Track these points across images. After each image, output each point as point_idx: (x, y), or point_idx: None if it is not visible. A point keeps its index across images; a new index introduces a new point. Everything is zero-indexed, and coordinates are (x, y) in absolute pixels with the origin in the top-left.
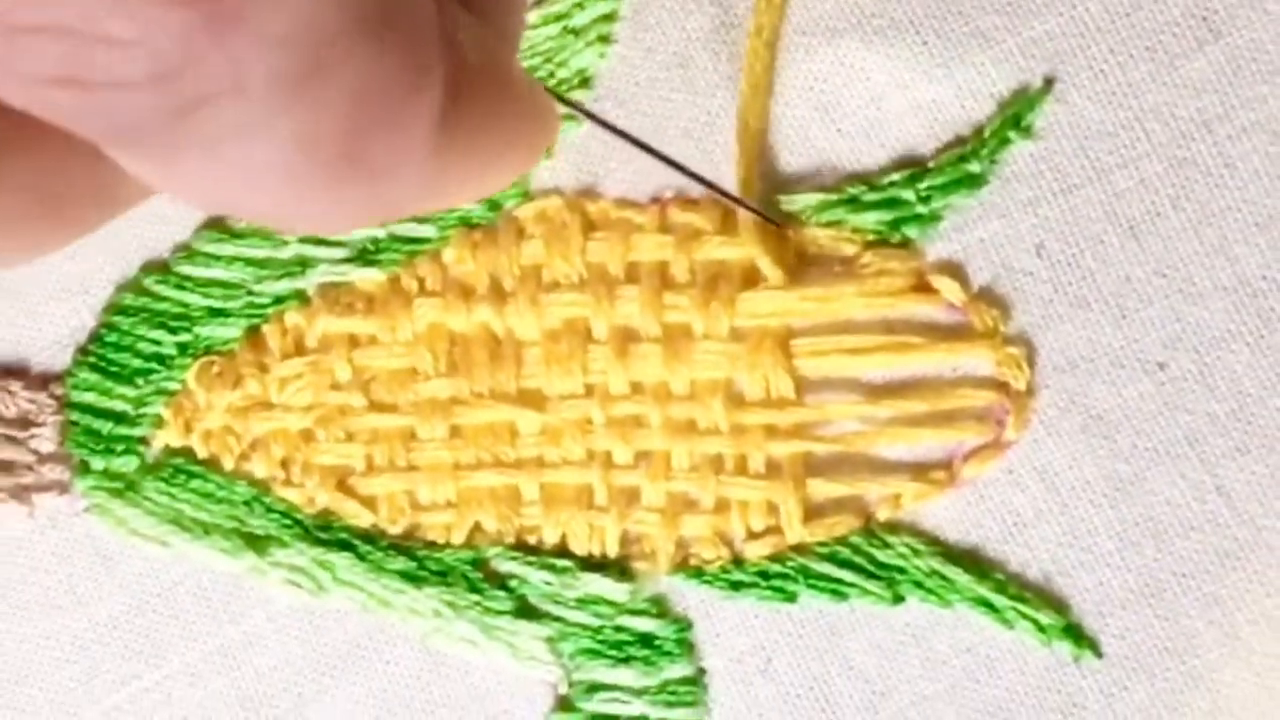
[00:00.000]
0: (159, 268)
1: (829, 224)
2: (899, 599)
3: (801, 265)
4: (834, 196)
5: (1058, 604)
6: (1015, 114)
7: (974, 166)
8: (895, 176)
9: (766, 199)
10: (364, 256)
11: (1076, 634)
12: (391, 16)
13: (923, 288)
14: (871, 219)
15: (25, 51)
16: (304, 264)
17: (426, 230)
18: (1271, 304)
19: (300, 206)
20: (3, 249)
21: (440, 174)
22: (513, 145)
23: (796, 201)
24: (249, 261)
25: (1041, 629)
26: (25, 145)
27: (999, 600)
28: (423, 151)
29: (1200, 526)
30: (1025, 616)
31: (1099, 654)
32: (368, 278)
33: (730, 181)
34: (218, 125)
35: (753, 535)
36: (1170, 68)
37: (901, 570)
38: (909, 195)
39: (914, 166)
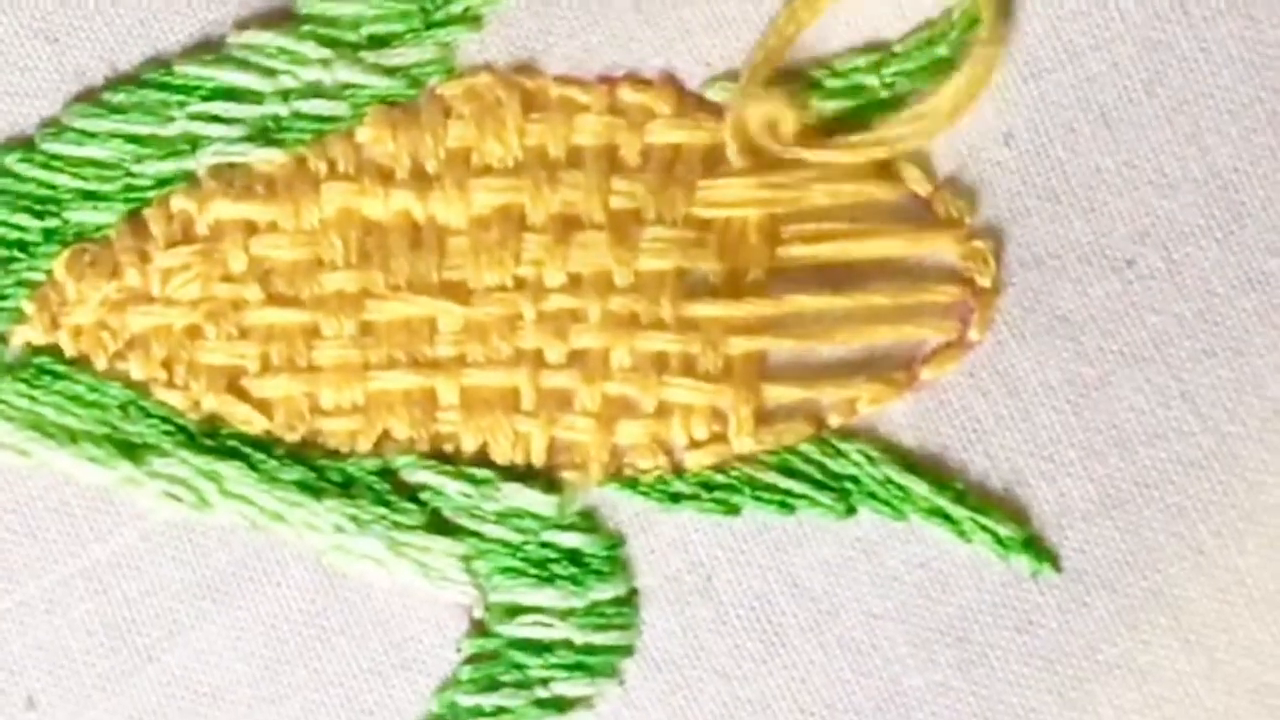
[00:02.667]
0: (23, 145)
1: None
2: (851, 511)
3: (760, 151)
4: (796, 82)
5: (1017, 516)
6: None
7: (942, 50)
8: (860, 61)
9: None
10: (264, 135)
11: (1036, 547)
12: None
13: (887, 175)
14: (833, 107)
15: None
16: (193, 142)
17: (337, 108)
18: (1242, 197)
19: None
20: None
21: None
22: None
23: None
24: (128, 138)
25: (1000, 542)
26: None
27: (956, 511)
28: None
29: (1165, 434)
30: (983, 529)
31: (1058, 568)
32: (267, 158)
33: None
34: None
35: (695, 444)
36: None
37: (855, 480)
38: (873, 81)
39: (879, 51)
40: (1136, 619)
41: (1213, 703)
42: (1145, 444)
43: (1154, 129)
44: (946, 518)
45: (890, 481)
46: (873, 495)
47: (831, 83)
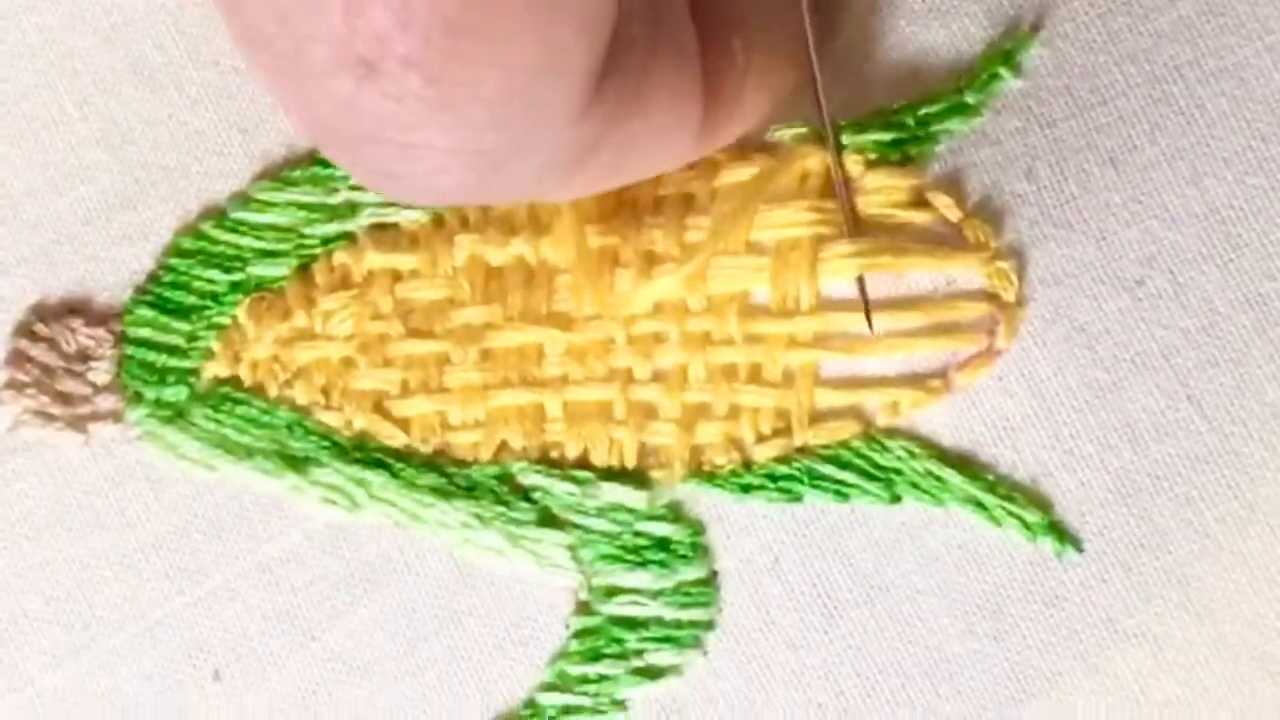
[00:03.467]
0: (216, 214)
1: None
2: (896, 499)
3: (808, 183)
4: (840, 122)
5: (1042, 503)
6: (1005, 51)
7: (969, 97)
8: (896, 104)
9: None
10: None
11: (1059, 531)
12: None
13: (920, 203)
14: (872, 140)
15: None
16: (352, 207)
17: None
18: (1239, 230)
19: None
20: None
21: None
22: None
23: (803, 130)
24: (301, 206)
25: (1027, 526)
26: None
27: (989, 500)
28: (681, 153)
29: (1173, 432)
30: (1012, 515)
31: (1080, 549)
32: (412, 218)
33: None
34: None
35: (762, 438)
36: (1145, 20)
37: (898, 472)
38: (909, 120)
39: (913, 96)
40: (1150, 594)
41: (1220, 669)
42: (1156, 440)
43: (1156, 170)
44: (980, 505)
45: (930, 474)
46: (915, 485)
47: (870, 120)
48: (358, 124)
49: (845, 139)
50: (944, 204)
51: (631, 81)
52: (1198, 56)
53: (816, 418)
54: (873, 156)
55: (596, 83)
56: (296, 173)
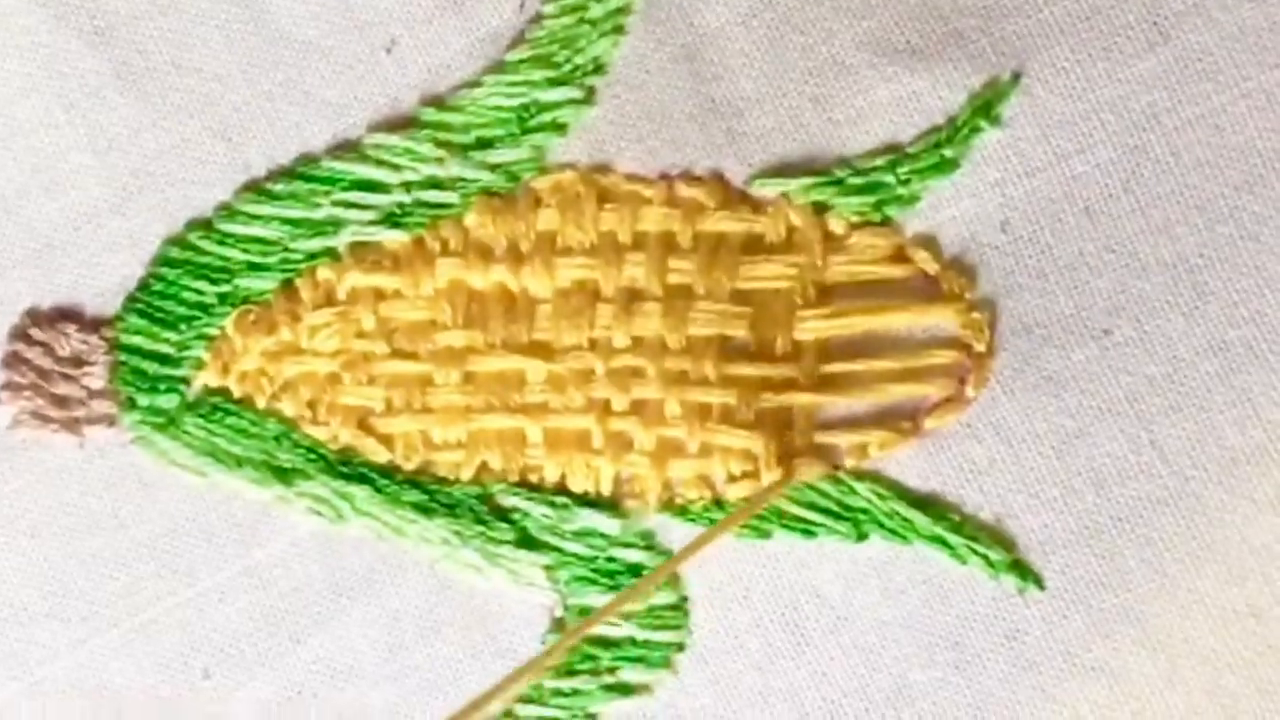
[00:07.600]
0: (203, 224)
1: (818, 205)
2: (863, 536)
3: (796, 241)
4: (822, 179)
5: (1006, 543)
6: (985, 103)
7: (948, 152)
8: (878, 161)
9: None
10: (391, 219)
11: (1022, 568)
12: None
13: (901, 258)
14: (856, 202)
15: None
16: (335, 224)
17: (450, 197)
18: (1205, 278)
19: None
20: None
21: None
22: None
23: (789, 184)
24: (285, 220)
25: (991, 564)
26: None
27: (954, 539)
28: None
29: (1136, 476)
30: (977, 553)
31: (1042, 587)
32: (394, 238)
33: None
34: None
35: (732, 478)
36: (1124, 65)
37: (866, 512)
38: (890, 179)
39: (895, 152)
40: (1109, 630)
41: (1174, 700)
42: (1119, 484)
43: (1130, 220)
44: (945, 544)
45: (896, 514)
46: (881, 525)
47: (854, 180)
48: None
49: (835, 200)
50: (923, 258)
51: None
52: (1175, 104)
53: (786, 459)
54: (856, 219)
55: None
56: (279, 185)
